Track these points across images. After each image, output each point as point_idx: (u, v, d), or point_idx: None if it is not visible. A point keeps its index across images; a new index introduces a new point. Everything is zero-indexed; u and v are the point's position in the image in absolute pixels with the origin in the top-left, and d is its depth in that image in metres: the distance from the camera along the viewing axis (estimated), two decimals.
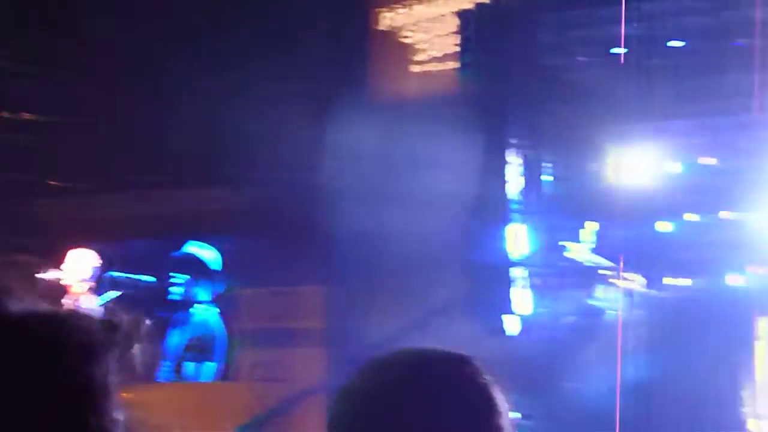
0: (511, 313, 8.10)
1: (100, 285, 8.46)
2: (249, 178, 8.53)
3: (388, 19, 8.59)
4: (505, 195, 8.17)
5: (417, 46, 8.54)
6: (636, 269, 7.94)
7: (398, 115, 7.92)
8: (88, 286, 8.45)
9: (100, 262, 8.53)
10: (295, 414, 8.28)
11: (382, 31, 8.59)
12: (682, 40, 7.92)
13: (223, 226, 8.69)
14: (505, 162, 8.19)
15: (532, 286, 8.12)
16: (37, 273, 8.24)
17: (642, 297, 7.91)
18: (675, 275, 7.96)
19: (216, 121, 8.22)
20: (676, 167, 7.92)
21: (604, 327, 7.91)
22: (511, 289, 8.11)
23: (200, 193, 8.89)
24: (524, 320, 8.10)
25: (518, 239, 8.17)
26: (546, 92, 8.12)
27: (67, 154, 8.97)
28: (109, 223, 8.98)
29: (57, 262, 8.45)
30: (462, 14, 8.38)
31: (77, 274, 8.45)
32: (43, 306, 1.54)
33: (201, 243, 8.57)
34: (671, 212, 7.95)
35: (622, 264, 7.89)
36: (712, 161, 7.89)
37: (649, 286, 7.95)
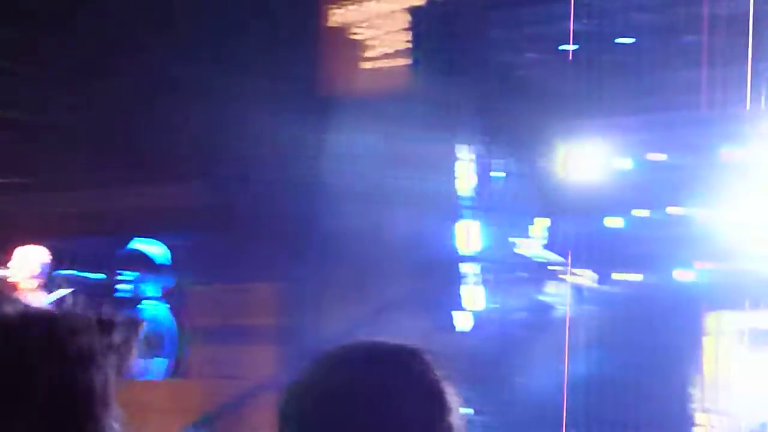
0: (462, 309, 8.12)
1: (49, 282, 8.40)
2: (201, 175, 8.50)
3: (338, 15, 8.58)
4: (456, 191, 8.19)
5: (367, 43, 8.53)
6: (586, 265, 7.97)
7: (349, 112, 7.92)
8: (36, 283, 8.38)
9: (50, 258, 8.47)
10: (246, 411, 8.26)
11: (332, 27, 8.58)
12: (632, 37, 7.96)
13: (176, 223, 8.66)
14: (455, 158, 8.21)
15: (484, 282, 8.14)
16: None
17: (591, 292, 7.95)
18: (624, 271, 8.00)
19: (167, 119, 8.18)
20: (625, 163, 7.97)
21: (554, 322, 7.94)
22: (462, 286, 8.13)
23: (152, 190, 8.85)
24: (476, 316, 8.12)
25: (470, 235, 8.19)
26: (496, 89, 8.14)
27: (15, 150, 8.90)
28: (59, 220, 8.92)
29: (4, 259, 8.38)
30: (412, 11, 8.39)
31: (25, 271, 8.38)
32: (36, 307, 1.51)
33: (147, 239, 8.53)
34: (620, 208, 7.99)
35: (571, 259, 7.92)
36: (661, 157, 7.94)
37: (598, 281, 7.99)
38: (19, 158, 8.98)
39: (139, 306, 8.40)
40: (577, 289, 7.96)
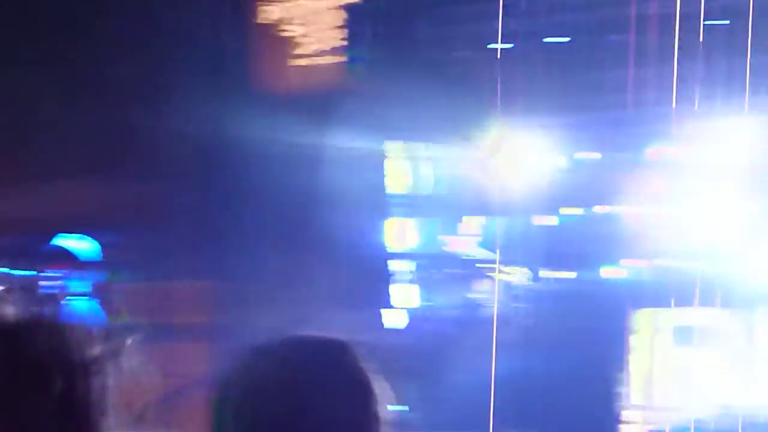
0: (392, 307, 8.15)
1: None
2: (132, 171, 8.45)
3: (269, 12, 8.56)
4: (386, 189, 8.21)
5: (298, 40, 8.53)
6: (516, 263, 8.03)
7: (280, 109, 7.91)
8: None
9: None
10: (177, 409, 8.22)
11: (264, 24, 8.56)
12: (561, 36, 8.02)
13: (106, 219, 8.59)
14: (386, 156, 8.23)
15: (418, 280, 8.17)
16: None
17: (521, 290, 8.01)
18: (553, 268, 8.07)
19: (98, 114, 8.13)
20: (554, 161, 8.03)
21: (483, 320, 7.98)
22: (393, 283, 8.15)
23: (83, 185, 8.78)
24: (410, 313, 8.15)
25: (401, 233, 8.21)
26: (428, 86, 8.17)
27: None
28: None
29: None
30: (344, 8, 8.39)
31: None
32: (36, 316, 1.50)
33: (72, 234, 8.46)
34: (550, 206, 8.05)
35: (501, 257, 7.97)
36: (590, 156, 8.01)
37: (528, 279, 8.05)
38: None
39: (63, 302, 8.33)
40: (507, 287, 8.01)
